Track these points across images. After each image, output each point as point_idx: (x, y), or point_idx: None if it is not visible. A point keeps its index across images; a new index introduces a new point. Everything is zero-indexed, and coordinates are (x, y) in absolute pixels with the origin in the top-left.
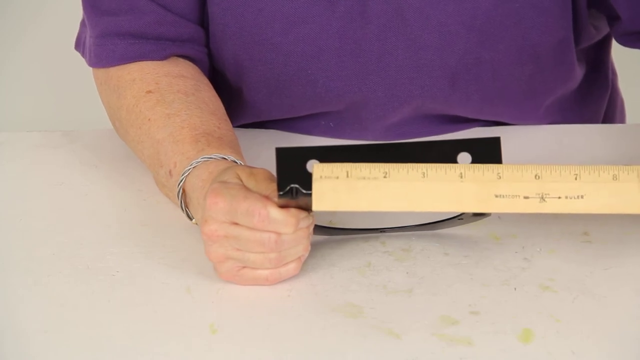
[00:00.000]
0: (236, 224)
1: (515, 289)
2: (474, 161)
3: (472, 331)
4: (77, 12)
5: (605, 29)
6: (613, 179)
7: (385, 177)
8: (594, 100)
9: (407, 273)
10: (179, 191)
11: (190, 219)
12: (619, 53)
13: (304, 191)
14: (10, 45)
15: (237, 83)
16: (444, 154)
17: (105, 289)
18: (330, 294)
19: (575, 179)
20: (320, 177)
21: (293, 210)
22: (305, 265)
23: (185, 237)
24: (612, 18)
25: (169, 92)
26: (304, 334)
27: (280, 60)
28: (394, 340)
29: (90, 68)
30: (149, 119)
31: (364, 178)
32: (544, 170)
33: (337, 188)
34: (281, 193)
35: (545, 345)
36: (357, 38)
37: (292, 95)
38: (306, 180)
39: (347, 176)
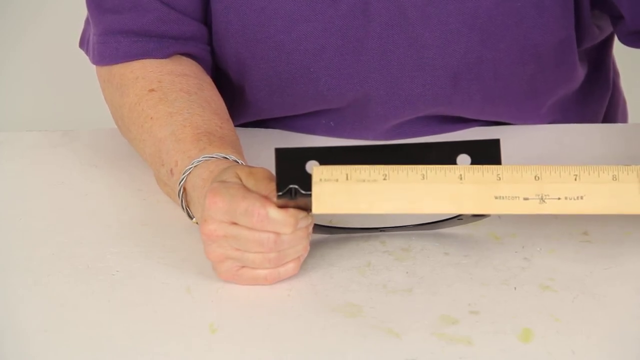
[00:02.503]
0: (235, 223)
1: (515, 288)
2: (473, 163)
3: (472, 331)
4: (77, 12)
5: (608, 29)
6: (613, 179)
7: (384, 179)
8: (595, 100)
9: (407, 273)
10: (180, 190)
11: (191, 218)
12: (621, 53)
13: (303, 192)
14: (10, 45)
15: (239, 81)
16: (444, 155)
17: (105, 288)
18: (330, 294)
19: (575, 179)
20: (320, 180)
21: (292, 211)
22: (305, 265)
23: (185, 237)
24: (616, 18)
25: (172, 91)
26: (304, 334)
27: (282, 58)
28: (394, 339)
29: (92, 67)
30: (151, 117)
31: (364, 180)
32: (544, 171)
33: (337, 191)
34: (280, 193)
35: (545, 344)
36: (359, 36)
37: (294, 93)
38: (305, 181)
39: (347, 179)
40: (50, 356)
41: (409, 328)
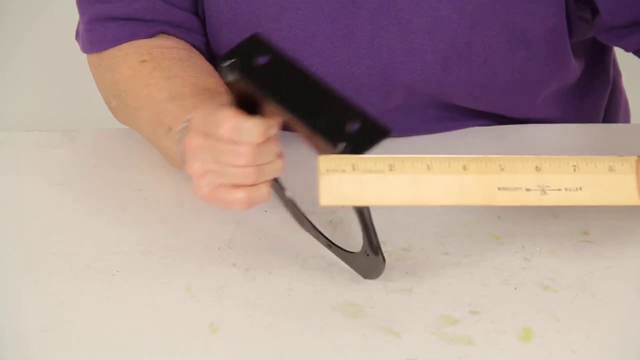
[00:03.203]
0: (212, 134)
1: (515, 288)
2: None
3: (472, 330)
4: (77, 12)
5: None
6: (609, 170)
7: (390, 170)
8: (593, 98)
9: (407, 272)
10: (180, 138)
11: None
12: (621, 53)
13: (243, 76)
14: (10, 45)
15: None
16: (340, 112)
17: (105, 288)
18: (330, 294)
19: (574, 170)
20: (327, 170)
21: (259, 119)
22: (305, 265)
23: (185, 237)
24: (594, 12)
25: (164, 60)
26: (304, 333)
27: None
28: (394, 339)
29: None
30: (148, 84)
31: (370, 171)
32: (544, 162)
33: (344, 181)
34: (225, 64)
35: (545, 344)
36: (348, 23)
37: None
38: (250, 68)
39: (353, 169)
40: (50, 355)
41: (409, 328)
